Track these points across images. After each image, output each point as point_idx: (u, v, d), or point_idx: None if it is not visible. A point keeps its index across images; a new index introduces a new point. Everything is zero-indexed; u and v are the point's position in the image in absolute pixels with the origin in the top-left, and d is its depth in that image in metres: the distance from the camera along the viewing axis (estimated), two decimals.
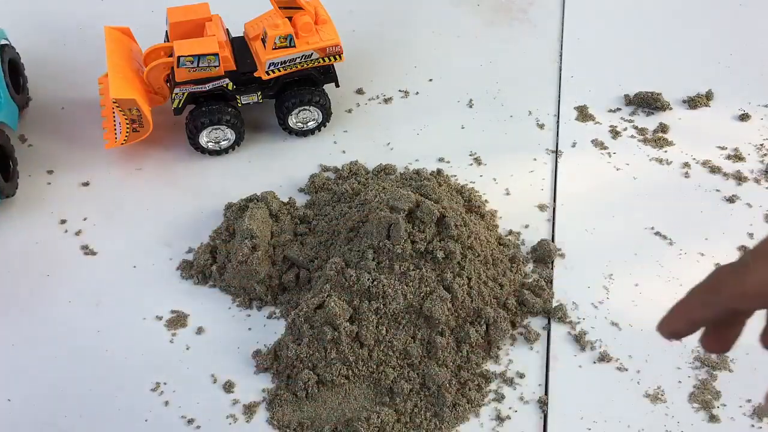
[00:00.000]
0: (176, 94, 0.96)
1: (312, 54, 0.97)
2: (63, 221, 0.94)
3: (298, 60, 0.97)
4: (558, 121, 1.06)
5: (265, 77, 0.97)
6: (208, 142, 0.99)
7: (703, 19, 1.23)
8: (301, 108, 1.00)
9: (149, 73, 0.97)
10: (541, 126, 1.05)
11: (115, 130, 0.99)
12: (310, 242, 0.88)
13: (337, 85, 1.03)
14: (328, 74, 1.02)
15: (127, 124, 0.95)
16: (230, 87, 0.97)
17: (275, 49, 0.95)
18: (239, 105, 0.99)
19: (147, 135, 0.97)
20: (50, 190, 0.98)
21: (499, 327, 0.79)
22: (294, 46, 0.95)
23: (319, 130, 1.04)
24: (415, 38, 1.20)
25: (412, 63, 1.16)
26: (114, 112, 0.97)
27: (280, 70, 0.97)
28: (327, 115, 1.02)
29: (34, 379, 0.78)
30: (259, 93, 0.99)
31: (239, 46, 1.00)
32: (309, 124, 1.03)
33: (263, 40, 0.96)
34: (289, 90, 1.00)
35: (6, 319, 0.84)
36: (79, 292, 0.86)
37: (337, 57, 0.99)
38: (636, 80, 1.10)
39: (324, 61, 0.98)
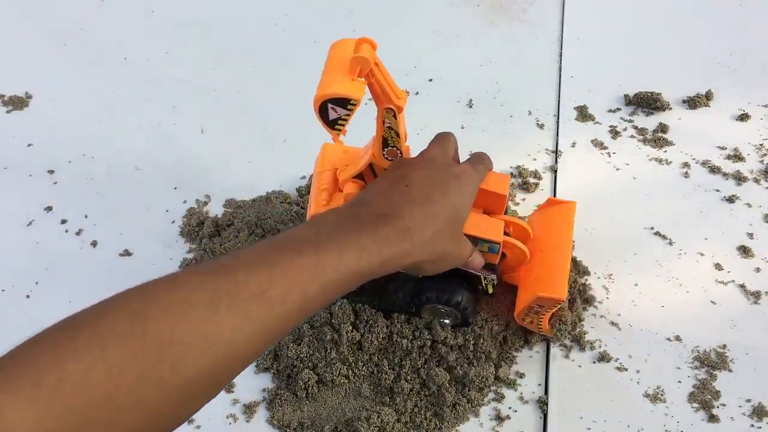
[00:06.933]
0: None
1: None
2: (63, 221, 0.94)
3: None
4: (558, 121, 1.06)
5: None
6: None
7: (703, 19, 1.23)
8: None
9: None
10: (541, 126, 1.05)
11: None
12: None
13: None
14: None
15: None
16: None
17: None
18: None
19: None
20: (50, 190, 0.98)
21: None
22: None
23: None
24: (415, 38, 1.20)
25: (412, 63, 1.16)
26: None
27: None
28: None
29: None
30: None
31: None
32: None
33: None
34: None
35: (6, 319, 0.84)
36: (79, 292, 0.86)
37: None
38: (636, 80, 1.11)
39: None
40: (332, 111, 0.59)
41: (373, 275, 0.56)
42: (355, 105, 0.58)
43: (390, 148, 0.68)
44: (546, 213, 0.82)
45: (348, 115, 0.59)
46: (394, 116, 0.64)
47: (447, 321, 0.78)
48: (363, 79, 0.60)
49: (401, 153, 0.68)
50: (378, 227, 0.57)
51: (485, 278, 0.74)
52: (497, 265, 0.74)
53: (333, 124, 0.60)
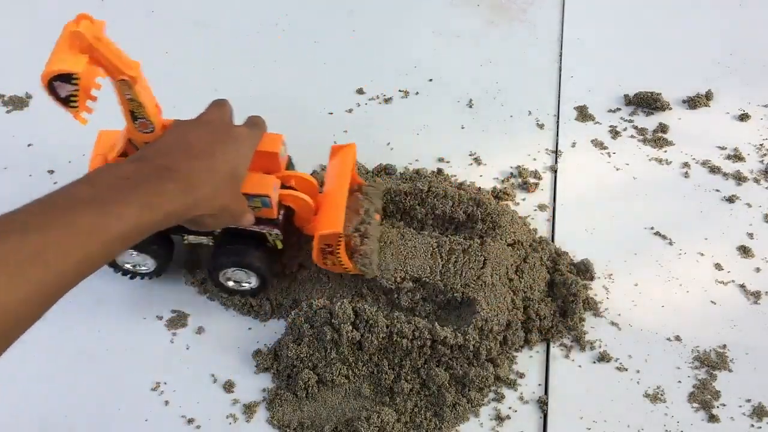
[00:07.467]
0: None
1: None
2: None
3: None
4: (558, 121, 1.06)
5: None
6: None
7: (703, 18, 1.23)
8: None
9: None
10: (541, 126, 1.05)
11: None
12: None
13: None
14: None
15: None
16: None
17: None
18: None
19: None
20: (50, 190, 0.97)
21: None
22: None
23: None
24: (415, 38, 1.20)
25: (412, 63, 1.16)
26: None
27: None
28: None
29: (33, 379, 0.78)
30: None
31: None
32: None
33: None
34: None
35: None
36: (78, 291, 0.86)
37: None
38: (636, 80, 1.11)
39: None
40: (60, 88, 0.60)
41: (157, 228, 0.57)
42: (78, 80, 0.59)
43: (140, 120, 0.69)
44: (331, 164, 0.83)
45: (77, 90, 0.60)
46: (130, 87, 0.65)
47: (246, 285, 0.80)
48: (86, 54, 0.61)
49: (153, 125, 0.69)
50: (160, 182, 0.58)
51: (270, 234, 0.76)
52: (278, 220, 0.75)
53: (67, 102, 0.61)
